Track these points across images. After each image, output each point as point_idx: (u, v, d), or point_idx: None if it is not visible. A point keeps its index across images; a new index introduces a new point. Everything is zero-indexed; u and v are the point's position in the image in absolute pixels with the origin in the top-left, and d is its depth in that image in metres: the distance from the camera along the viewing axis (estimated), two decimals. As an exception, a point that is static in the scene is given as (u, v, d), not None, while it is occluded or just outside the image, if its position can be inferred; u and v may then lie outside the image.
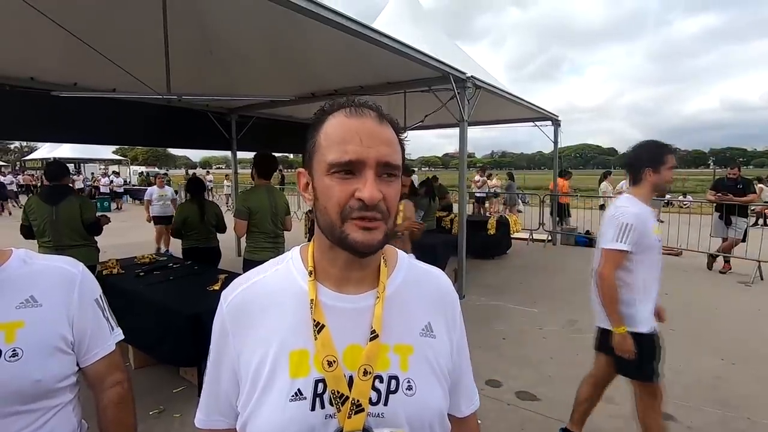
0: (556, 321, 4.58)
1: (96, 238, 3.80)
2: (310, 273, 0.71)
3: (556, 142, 9.04)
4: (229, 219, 4.15)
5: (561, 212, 10.02)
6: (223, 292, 0.76)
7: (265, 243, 3.64)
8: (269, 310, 0.70)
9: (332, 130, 0.65)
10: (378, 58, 3.94)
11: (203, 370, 2.99)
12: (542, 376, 3.38)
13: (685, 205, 13.44)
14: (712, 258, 6.92)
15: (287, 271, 0.74)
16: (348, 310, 0.69)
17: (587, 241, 9.12)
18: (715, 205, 6.86)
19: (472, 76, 4.75)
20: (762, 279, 6.18)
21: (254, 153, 3.84)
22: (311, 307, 0.68)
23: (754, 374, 3.43)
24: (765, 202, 11.99)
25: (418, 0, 7.18)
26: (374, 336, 0.67)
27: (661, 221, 9.84)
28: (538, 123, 8.71)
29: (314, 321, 0.67)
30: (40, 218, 3.47)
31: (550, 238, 9.33)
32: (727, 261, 6.72)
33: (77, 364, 0.99)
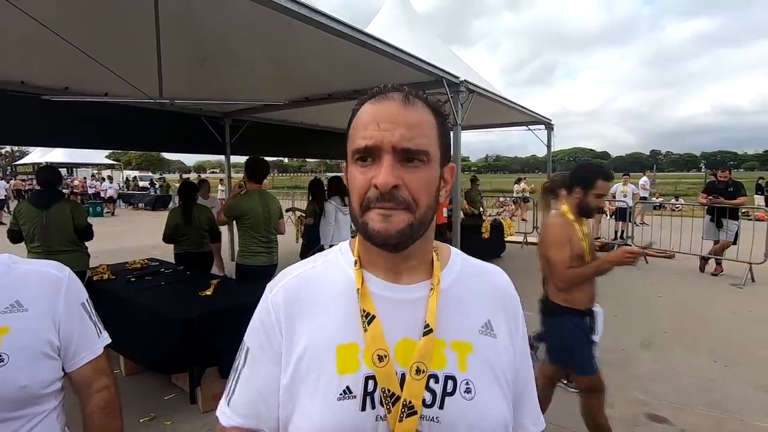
0: (551, 324, 4.59)
1: (87, 243, 3.77)
2: (356, 262, 0.67)
3: (549, 146, 9.09)
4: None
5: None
6: (269, 284, 0.72)
7: (258, 248, 3.62)
8: (316, 301, 0.66)
9: (358, 119, 0.63)
10: (372, 62, 3.94)
11: (195, 376, 2.92)
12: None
13: (677, 208, 13.58)
14: (704, 260, 6.97)
15: (336, 262, 0.70)
16: (399, 301, 0.64)
17: (581, 244, 9.17)
18: (706, 207, 6.93)
19: (465, 81, 4.76)
20: (753, 281, 6.23)
21: (247, 157, 3.82)
22: (358, 296, 0.64)
23: (746, 376, 3.45)
24: (758, 206, 12.14)
25: (412, 5, 7.22)
26: (428, 330, 0.62)
27: (646, 224, 9.92)
28: (531, 127, 8.77)
29: (363, 311, 0.62)
30: (29, 223, 3.43)
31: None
32: (718, 263, 6.78)
33: (63, 370, 0.97)
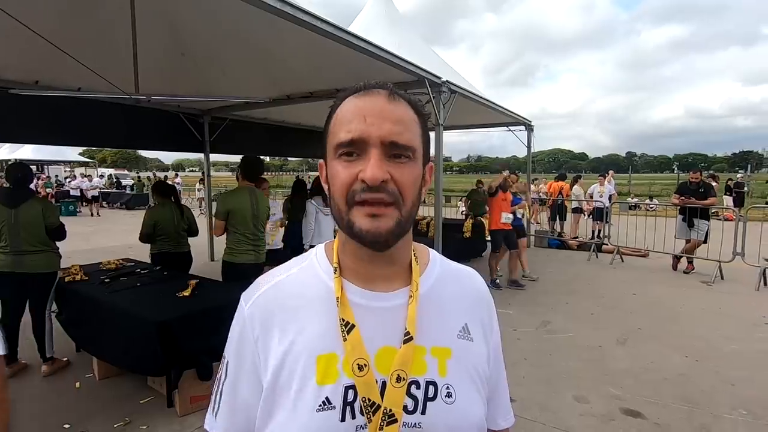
0: (530, 322, 4.66)
1: (59, 243, 3.64)
2: (335, 270, 0.66)
3: (529, 147, 9.24)
4: (202, 222, 4.06)
5: (559, 214, 10.59)
6: (244, 293, 0.70)
7: (245, 245, 3.59)
8: (294, 311, 0.65)
9: (341, 114, 0.61)
10: (354, 61, 3.93)
11: (172, 379, 2.85)
12: (516, 378, 3.43)
13: (651, 208, 14.00)
14: (676, 259, 7.20)
15: (312, 269, 0.69)
16: (379, 309, 0.64)
17: (559, 243, 9.37)
18: (679, 207, 7.16)
19: (447, 81, 4.80)
20: (722, 279, 6.47)
21: (229, 155, 3.77)
22: (338, 306, 0.63)
23: (715, 370, 3.58)
24: (727, 206, 12.62)
25: (395, 4, 7.23)
26: (408, 338, 0.62)
27: (611, 224, 10.18)
28: (512, 128, 8.89)
29: (342, 320, 0.62)
30: (-3, 222, 3.30)
31: (524, 240, 9.52)
32: (690, 262, 7.01)
33: None
